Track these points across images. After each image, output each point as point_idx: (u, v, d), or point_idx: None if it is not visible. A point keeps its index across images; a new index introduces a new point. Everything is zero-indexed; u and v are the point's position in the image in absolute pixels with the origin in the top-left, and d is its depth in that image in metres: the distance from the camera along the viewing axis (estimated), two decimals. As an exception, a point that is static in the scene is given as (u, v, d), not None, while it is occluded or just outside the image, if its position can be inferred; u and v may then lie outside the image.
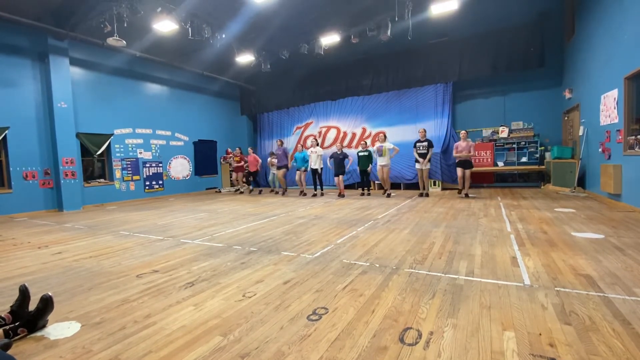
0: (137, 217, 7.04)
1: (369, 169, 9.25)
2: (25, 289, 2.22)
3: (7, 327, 2.02)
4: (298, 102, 13.37)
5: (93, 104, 9.45)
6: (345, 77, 12.12)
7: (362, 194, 9.54)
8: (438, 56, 10.35)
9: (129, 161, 10.33)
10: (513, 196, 7.88)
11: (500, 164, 10.04)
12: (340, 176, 9.36)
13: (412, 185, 10.65)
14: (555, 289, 2.46)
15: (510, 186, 10.19)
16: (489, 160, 10.08)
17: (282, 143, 10.45)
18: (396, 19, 8.05)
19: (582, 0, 7.81)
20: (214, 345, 1.88)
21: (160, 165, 11.28)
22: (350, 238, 4.35)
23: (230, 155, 12.86)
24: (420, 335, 1.89)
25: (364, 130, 12.03)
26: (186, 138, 12.26)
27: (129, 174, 10.34)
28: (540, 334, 1.85)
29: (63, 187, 8.49)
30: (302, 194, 10.05)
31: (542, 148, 9.71)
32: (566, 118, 9.41)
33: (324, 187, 10.35)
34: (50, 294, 2.19)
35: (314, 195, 9.76)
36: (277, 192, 10.46)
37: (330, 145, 12.34)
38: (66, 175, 8.54)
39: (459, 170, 8.01)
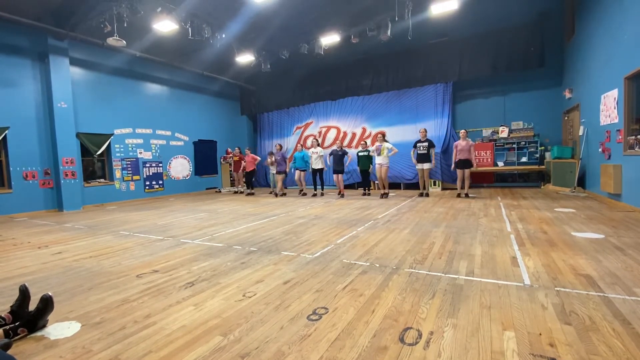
0: (137, 217, 7.04)
1: (369, 169, 9.25)
2: (26, 289, 2.22)
3: (7, 327, 2.02)
4: (298, 102, 13.37)
5: (93, 104, 9.45)
6: (345, 77, 12.12)
7: (364, 194, 9.54)
8: (438, 56, 10.35)
9: (129, 161, 10.33)
10: (513, 196, 7.88)
11: (500, 164, 10.04)
12: (340, 175, 9.35)
13: (412, 185, 10.65)
14: (556, 288, 2.46)
15: (510, 186, 10.19)
16: (489, 160, 10.08)
17: (281, 147, 10.41)
18: (396, 18, 8.05)
19: (582, 0, 7.81)
20: (214, 345, 1.88)
21: (160, 165, 11.28)
22: (350, 238, 4.35)
23: (230, 155, 12.86)
24: (420, 335, 1.89)
25: (364, 130, 12.03)
26: (186, 138, 12.26)
27: (129, 174, 10.34)
28: (540, 334, 1.85)
29: (63, 187, 8.49)
30: (302, 193, 10.05)
31: (542, 148, 9.71)
32: (566, 118, 9.41)
33: (324, 187, 10.34)
34: (50, 294, 2.19)
35: (314, 195, 9.77)
36: (276, 194, 10.43)
37: (330, 145, 12.33)
38: (66, 175, 8.54)
39: (459, 171, 8.01)
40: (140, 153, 10.70)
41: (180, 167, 12.01)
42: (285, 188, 11.39)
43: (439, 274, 2.87)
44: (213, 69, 12.26)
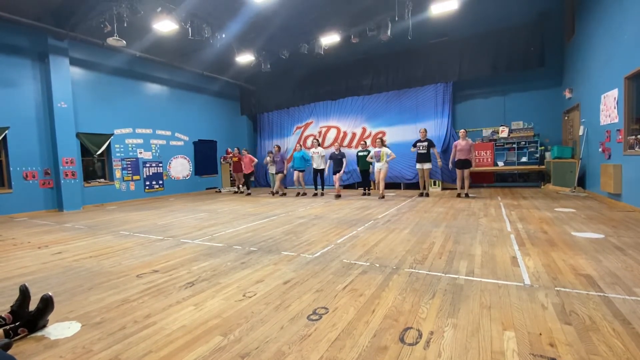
0: (137, 217, 7.04)
1: (369, 169, 9.24)
2: (26, 289, 2.22)
3: (8, 327, 2.02)
4: (298, 102, 13.38)
5: (93, 104, 9.45)
6: (345, 77, 12.13)
7: (364, 194, 9.54)
8: (438, 56, 10.35)
9: (129, 161, 10.33)
10: (513, 196, 7.88)
11: (500, 163, 10.04)
12: (338, 174, 9.34)
13: (412, 185, 10.65)
14: (556, 288, 2.46)
15: (510, 186, 10.19)
16: (489, 160, 10.08)
17: (279, 149, 10.39)
18: (396, 18, 8.06)
19: (582, 0, 7.81)
20: (214, 345, 1.88)
21: (160, 165, 11.28)
22: (350, 238, 4.35)
23: (230, 155, 12.86)
24: (420, 335, 1.89)
25: (364, 130, 12.03)
26: (186, 138, 12.26)
27: (129, 173, 10.34)
28: (540, 334, 1.85)
29: (63, 187, 8.49)
30: (302, 194, 10.04)
31: (542, 148, 9.71)
32: (566, 118, 9.41)
33: (324, 187, 10.34)
34: (50, 294, 2.19)
35: (315, 194, 9.77)
36: (275, 193, 10.43)
37: (330, 145, 12.34)
38: (66, 175, 8.54)
39: (459, 171, 8.01)
40: (140, 153, 10.70)
41: (180, 167, 12.02)
42: (286, 188, 11.40)
43: (439, 274, 2.87)
44: (213, 69, 12.26)
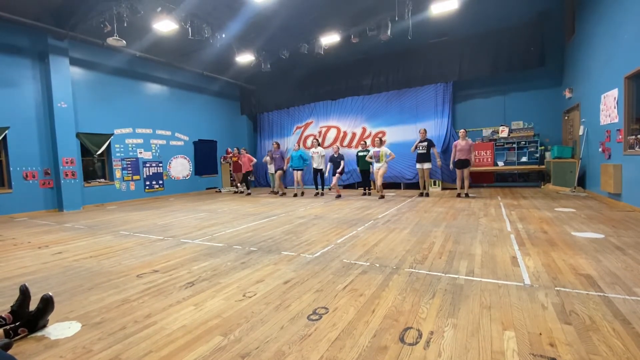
0: (137, 217, 7.05)
1: (369, 169, 9.23)
2: (26, 289, 2.22)
3: (8, 327, 2.03)
4: (298, 101, 13.38)
5: (93, 104, 9.45)
6: (345, 77, 12.12)
7: (364, 194, 9.54)
8: (438, 56, 10.35)
9: (129, 161, 10.33)
10: (513, 196, 7.88)
11: (500, 163, 10.03)
12: (337, 175, 9.31)
13: (412, 185, 10.65)
14: (556, 288, 2.46)
15: (510, 186, 10.19)
16: (489, 159, 10.08)
17: (278, 146, 10.34)
18: (396, 18, 8.05)
19: (582, -1, 7.82)
20: (215, 345, 1.88)
21: (160, 165, 11.28)
22: (350, 238, 4.35)
23: (230, 154, 12.87)
24: (420, 335, 1.89)
25: (364, 130, 12.03)
26: (186, 138, 12.26)
27: (129, 173, 10.34)
28: (540, 334, 1.85)
29: (63, 187, 8.49)
30: (300, 194, 9.99)
31: (542, 148, 9.71)
32: (566, 118, 9.41)
33: (324, 187, 10.34)
34: (50, 294, 2.19)
35: (316, 194, 9.77)
36: (275, 193, 10.43)
37: (331, 145, 12.34)
38: (66, 175, 8.54)
39: (458, 171, 8.01)
40: (140, 153, 10.70)
41: (181, 167, 12.02)
42: (286, 188, 11.39)
43: (439, 274, 2.87)
44: (213, 69, 12.26)
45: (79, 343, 1.97)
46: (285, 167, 10.53)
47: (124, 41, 7.86)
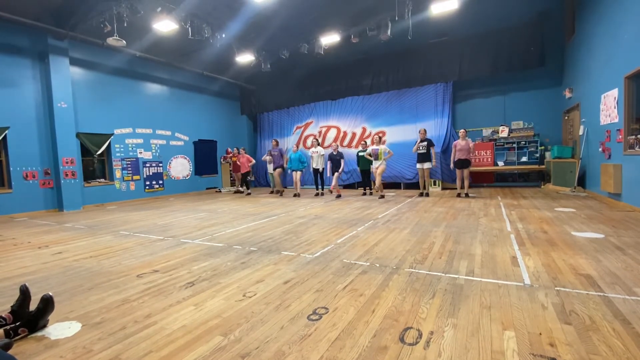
0: (137, 217, 7.05)
1: (371, 168, 9.20)
2: (26, 289, 2.22)
3: (8, 327, 2.03)
4: (298, 101, 13.38)
5: (93, 104, 9.45)
6: (345, 77, 12.12)
7: (364, 194, 9.54)
8: (438, 56, 10.35)
9: (129, 161, 10.34)
10: (513, 196, 7.88)
11: (501, 163, 10.04)
12: (335, 174, 9.29)
13: (412, 185, 10.65)
14: (556, 288, 2.46)
15: (510, 186, 10.19)
16: (489, 159, 10.08)
17: (277, 143, 10.28)
18: (396, 18, 8.05)
19: (582, -1, 7.82)
20: (215, 345, 1.88)
21: (160, 165, 11.28)
22: (350, 238, 4.35)
23: (230, 154, 12.87)
24: (420, 335, 1.89)
25: (364, 129, 12.04)
26: (186, 138, 12.26)
27: (129, 173, 10.34)
28: (540, 334, 1.85)
29: (63, 187, 8.49)
30: (297, 195, 9.85)
31: (542, 148, 9.71)
32: (566, 117, 9.41)
33: (324, 186, 10.33)
34: (50, 294, 2.19)
35: (316, 194, 9.76)
36: (274, 192, 10.40)
37: (331, 145, 12.33)
38: (66, 175, 8.55)
39: (458, 171, 8.02)
40: (140, 153, 10.70)
41: (181, 167, 12.02)
42: (286, 188, 11.37)
43: (439, 274, 2.87)
44: (213, 69, 12.26)
45: (79, 343, 1.97)
46: (285, 163, 10.45)
47: (124, 41, 7.86)
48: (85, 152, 9.31)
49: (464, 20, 9.32)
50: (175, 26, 8.02)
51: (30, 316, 2.12)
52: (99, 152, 9.46)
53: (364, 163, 9.15)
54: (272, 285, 2.77)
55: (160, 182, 11.27)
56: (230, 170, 13.34)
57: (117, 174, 10.02)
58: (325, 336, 1.92)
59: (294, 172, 9.99)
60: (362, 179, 9.75)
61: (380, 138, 8.55)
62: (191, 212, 7.45)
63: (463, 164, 7.89)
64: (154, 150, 11.10)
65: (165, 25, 8.00)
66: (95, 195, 9.50)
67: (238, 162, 11.09)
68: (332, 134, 12.69)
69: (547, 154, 9.46)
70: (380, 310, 2.23)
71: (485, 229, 4.54)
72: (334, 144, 9.75)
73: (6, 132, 7.74)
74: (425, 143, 8.27)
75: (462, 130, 8.10)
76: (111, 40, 7.74)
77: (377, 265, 3.19)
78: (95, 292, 2.78)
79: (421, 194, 8.67)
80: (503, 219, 5.15)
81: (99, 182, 9.71)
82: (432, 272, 2.93)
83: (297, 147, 10.37)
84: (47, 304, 2.16)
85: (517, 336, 1.84)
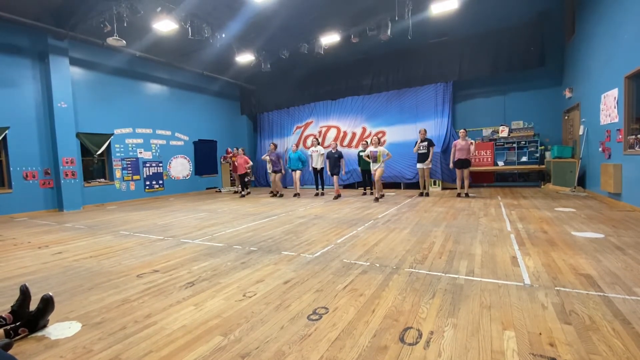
0: (137, 217, 7.05)
1: (371, 168, 9.17)
2: (26, 289, 2.22)
3: (8, 327, 2.03)
4: (298, 101, 13.38)
5: (93, 104, 9.45)
6: (345, 77, 12.12)
7: (364, 194, 9.53)
8: (438, 56, 10.35)
9: (129, 161, 10.34)
10: (513, 196, 7.88)
11: (501, 163, 10.03)
12: (335, 176, 9.23)
13: (412, 185, 10.65)
14: (556, 288, 2.46)
15: (510, 186, 10.19)
16: (489, 159, 10.08)
17: (275, 147, 10.08)
18: (396, 18, 8.05)
19: (582, -1, 7.82)
20: (215, 345, 1.88)
21: (160, 165, 11.28)
22: (350, 238, 4.35)
23: (230, 154, 12.87)
24: (420, 335, 1.89)
25: (364, 129, 12.03)
26: (186, 138, 12.26)
27: (129, 173, 10.34)
28: (540, 334, 1.85)
29: (63, 187, 8.49)
30: (297, 195, 9.76)
31: (542, 147, 9.71)
32: (566, 117, 9.41)
33: (325, 186, 10.33)
34: (50, 294, 2.19)
35: (316, 194, 9.76)
36: (275, 194, 10.34)
37: (330, 145, 12.33)
38: (66, 175, 8.55)
39: (458, 171, 8.02)
40: (140, 153, 10.70)
41: (181, 167, 12.02)
42: (285, 188, 11.36)
43: (439, 274, 2.87)
44: (213, 69, 12.26)
45: (79, 343, 1.97)
46: (283, 171, 10.32)
47: (124, 41, 7.86)
48: (85, 152, 9.31)
49: (464, 20, 9.32)
50: (175, 26, 8.02)
51: (30, 316, 2.12)
52: (99, 152, 9.46)
53: (364, 163, 9.13)
54: (272, 285, 2.77)
55: (160, 182, 11.28)
56: (231, 170, 13.34)
57: (117, 174, 10.03)
58: (325, 336, 1.92)
59: (293, 172, 9.96)
60: (362, 179, 9.74)
61: (379, 140, 8.43)
62: (191, 212, 7.45)
63: (463, 163, 7.89)
64: (154, 150, 11.10)
65: (165, 25, 8.00)
66: (95, 195, 9.50)
67: (236, 163, 11.07)
68: (332, 133, 12.68)
69: (547, 154, 9.45)
70: (380, 310, 2.23)
71: (485, 228, 4.54)
72: (333, 142, 9.71)
73: (6, 132, 7.74)
74: (425, 143, 8.26)
75: (462, 130, 8.09)
76: (111, 40, 7.74)
77: (377, 265, 3.19)
78: (95, 292, 2.78)
79: (421, 194, 8.66)
80: (503, 219, 5.15)
81: (99, 182, 9.71)
82: (432, 272, 2.93)
83: (297, 146, 10.33)
84: (47, 304, 2.16)
85: (517, 336, 1.84)
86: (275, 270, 3.17)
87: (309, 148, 11.54)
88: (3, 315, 2.11)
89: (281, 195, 9.93)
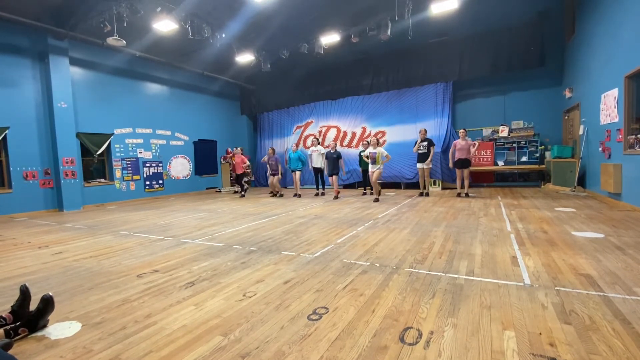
0: (137, 216, 7.05)
1: (369, 169, 9.16)
2: (26, 289, 2.22)
3: (8, 327, 2.03)
4: (298, 101, 13.38)
5: (93, 104, 9.45)
6: (345, 77, 12.12)
7: (364, 194, 9.53)
8: (438, 55, 10.35)
9: (129, 161, 10.34)
10: (513, 195, 7.88)
11: (501, 163, 10.03)
12: (335, 176, 9.18)
13: (412, 185, 10.65)
14: (555, 288, 2.46)
15: (510, 185, 10.19)
16: (489, 159, 10.08)
17: (273, 151, 9.98)
18: (396, 18, 8.05)
19: (582, -1, 7.81)
20: (215, 344, 1.88)
21: (160, 165, 11.28)
22: (350, 237, 4.35)
23: (230, 154, 12.87)
24: (420, 335, 1.89)
25: (364, 129, 12.03)
26: (186, 138, 12.26)
27: (129, 173, 10.34)
28: (540, 334, 1.85)
29: (63, 187, 8.49)
30: (297, 195, 9.72)
31: (542, 147, 9.71)
32: (566, 117, 9.41)
33: (325, 186, 10.33)
34: (50, 294, 2.19)
35: (317, 194, 9.75)
36: (274, 194, 10.31)
37: (329, 145, 12.32)
38: (66, 175, 8.55)
39: (458, 171, 8.01)
40: (140, 153, 10.70)
41: (181, 167, 12.02)
42: (285, 188, 11.35)
43: (439, 274, 2.87)
44: (213, 69, 12.25)
45: (79, 343, 1.97)
46: (280, 175, 10.22)
47: (124, 41, 7.86)
48: (85, 152, 9.31)
49: (464, 20, 9.32)
50: (175, 26, 8.01)
51: (30, 316, 2.12)
52: (99, 152, 9.46)
53: (365, 163, 9.09)
54: (272, 285, 2.77)
55: (160, 182, 11.28)
56: (231, 170, 13.34)
57: (117, 173, 10.03)
58: (325, 336, 1.92)
59: (293, 173, 9.94)
60: (362, 179, 9.73)
61: (377, 141, 8.26)
62: (191, 212, 7.45)
63: (463, 163, 7.89)
64: (154, 150, 11.10)
65: (165, 25, 8.00)
66: (95, 195, 9.50)
67: (234, 162, 11.07)
68: (332, 133, 12.68)
69: (547, 154, 9.45)
70: (380, 310, 2.23)
71: (485, 228, 4.54)
72: (332, 143, 9.69)
73: (6, 132, 7.74)
74: (425, 143, 8.26)
75: (462, 130, 8.09)
76: (111, 40, 7.74)
77: (377, 265, 3.19)
78: (96, 292, 2.78)
79: (421, 194, 8.66)
80: (503, 219, 5.15)
81: (99, 182, 9.71)
82: (432, 272, 2.93)
83: (297, 146, 10.31)
84: (47, 304, 2.16)
85: (517, 336, 1.84)
86: (276, 270, 3.17)
87: (309, 148, 11.54)
88: (3, 315, 2.11)
89: (281, 195, 9.93)
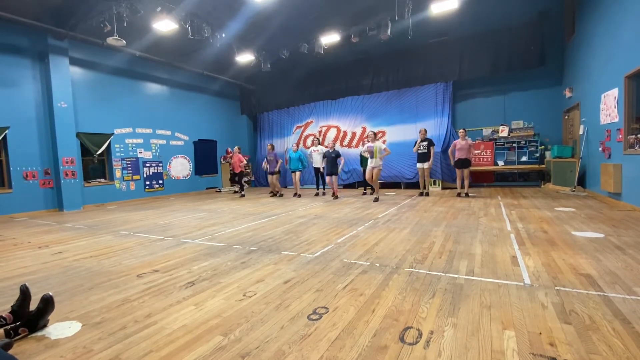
0: (137, 216, 7.05)
1: (368, 164, 9.13)
2: (26, 288, 2.22)
3: (8, 327, 2.03)
4: (298, 101, 13.38)
5: (93, 104, 9.45)
6: (345, 77, 12.13)
7: (364, 194, 9.53)
8: (438, 55, 10.35)
9: (129, 161, 10.34)
10: (513, 195, 7.88)
11: (501, 163, 10.03)
12: (334, 176, 9.10)
13: (412, 185, 10.65)
14: (556, 288, 2.46)
15: (510, 185, 10.19)
16: (489, 159, 10.08)
17: (272, 148, 10.02)
18: (396, 18, 8.05)
19: (582, -1, 7.81)
20: (215, 344, 1.88)
21: (160, 164, 11.28)
22: (350, 237, 4.35)
23: (230, 154, 12.86)
24: (420, 335, 1.89)
25: (364, 129, 12.02)
26: (186, 138, 12.26)
27: (129, 173, 10.34)
28: (540, 333, 1.85)
29: (63, 187, 8.49)
30: (297, 195, 9.70)
31: (542, 147, 9.71)
32: (566, 117, 9.41)
33: (325, 186, 10.33)
34: (50, 293, 2.19)
35: (317, 194, 9.75)
36: (274, 194, 10.32)
37: (328, 145, 12.32)
38: (66, 175, 8.55)
39: (458, 171, 8.01)
40: (140, 153, 10.70)
41: (181, 167, 12.02)
42: (285, 188, 11.35)
43: (439, 274, 2.87)
44: (213, 69, 12.25)
45: (79, 343, 1.97)
46: (277, 170, 10.22)
47: (124, 41, 7.86)
48: (85, 152, 9.31)
49: (463, 20, 9.32)
50: (175, 26, 8.01)
51: (30, 316, 2.12)
52: (99, 152, 9.46)
53: (366, 163, 9.07)
54: (272, 285, 2.77)
55: (160, 182, 11.28)
56: (231, 170, 13.33)
57: (117, 173, 10.03)
58: (325, 336, 1.92)
59: (293, 173, 9.89)
60: (363, 179, 9.73)
61: (375, 135, 8.10)
62: (191, 211, 7.45)
63: (463, 163, 7.89)
64: (154, 150, 11.10)
65: (165, 25, 8.00)
66: (95, 195, 9.50)
67: (232, 161, 11.06)
68: (332, 133, 12.69)
69: (547, 154, 9.45)
70: (380, 309, 2.23)
71: (485, 228, 4.54)
72: (331, 143, 9.64)
73: (6, 132, 7.74)
74: (425, 143, 8.26)
75: (461, 129, 8.08)
76: (111, 40, 7.74)
77: (377, 264, 3.19)
78: (96, 292, 2.78)
79: (421, 194, 8.67)
80: (503, 219, 5.15)
81: (99, 182, 9.71)
82: (432, 271, 2.93)
83: (297, 146, 10.31)
84: (47, 303, 2.16)
85: (517, 336, 1.84)
86: (276, 270, 3.17)
87: (309, 148, 11.54)
88: (3, 315, 2.11)
89: (281, 195, 9.93)
